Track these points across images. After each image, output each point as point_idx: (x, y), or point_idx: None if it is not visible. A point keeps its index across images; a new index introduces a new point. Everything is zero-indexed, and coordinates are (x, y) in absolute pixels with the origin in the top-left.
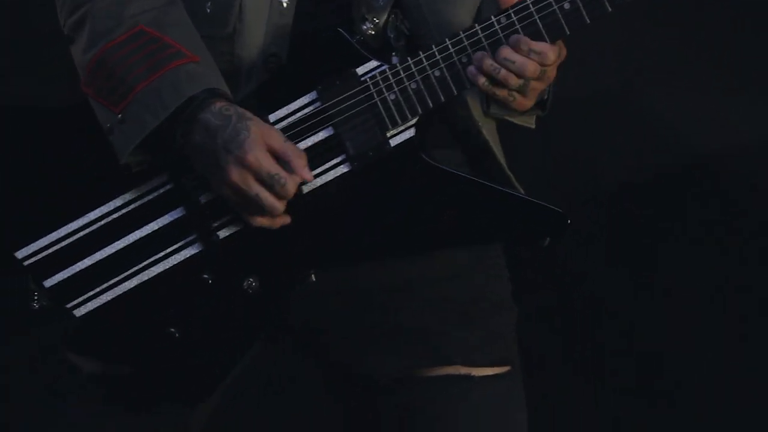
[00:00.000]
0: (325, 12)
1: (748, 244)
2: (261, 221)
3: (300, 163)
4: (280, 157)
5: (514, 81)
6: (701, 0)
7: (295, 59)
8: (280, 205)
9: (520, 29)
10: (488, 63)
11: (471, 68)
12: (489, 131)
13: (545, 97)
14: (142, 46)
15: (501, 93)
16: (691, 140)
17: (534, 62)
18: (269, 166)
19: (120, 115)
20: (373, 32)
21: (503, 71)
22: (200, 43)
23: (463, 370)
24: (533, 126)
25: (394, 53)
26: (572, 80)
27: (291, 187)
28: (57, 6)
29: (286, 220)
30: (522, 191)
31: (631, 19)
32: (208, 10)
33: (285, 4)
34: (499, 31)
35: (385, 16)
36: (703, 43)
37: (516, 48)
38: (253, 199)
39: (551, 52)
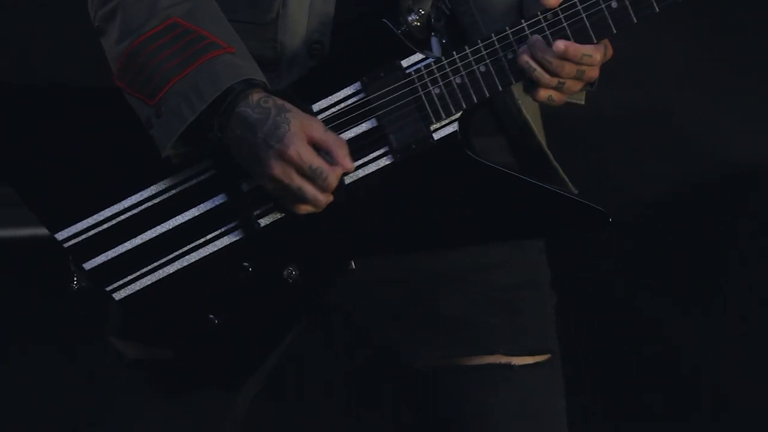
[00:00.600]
0: (367, 0)
1: None
2: (305, 209)
3: (341, 152)
4: (321, 148)
5: (548, 79)
6: (727, 6)
7: (338, 48)
8: (323, 198)
9: (567, 27)
10: (524, 59)
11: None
12: (530, 110)
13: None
14: (176, 38)
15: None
16: (721, 149)
17: (571, 63)
18: (311, 159)
19: (155, 108)
20: (418, 23)
21: (538, 70)
22: (235, 34)
23: (504, 360)
24: (583, 102)
25: (433, 33)
26: (597, 94)
27: (333, 180)
28: None
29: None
30: (566, 179)
31: (655, 29)
32: None
33: None
34: (546, 28)
35: (429, 8)
36: (726, 50)
37: (565, 55)
38: (295, 192)
39: (598, 54)
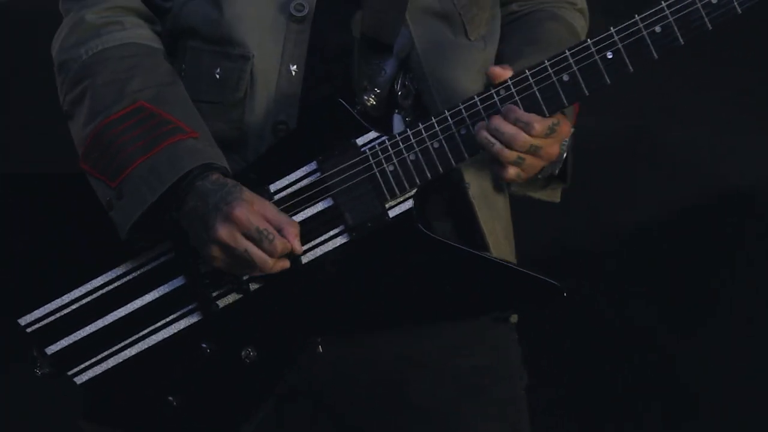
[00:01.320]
0: (333, 80)
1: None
2: (253, 273)
3: (292, 231)
4: (272, 225)
5: (507, 154)
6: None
7: (303, 128)
8: (271, 261)
9: (519, 101)
10: (483, 135)
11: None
12: (479, 193)
13: (555, 172)
14: (141, 121)
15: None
16: (711, 176)
17: (522, 133)
18: (258, 221)
19: (116, 190)
20: (374, 102)
21: (496, 144)
22: (200, 120)
23: None
24: (558, 200)
25: (397, 111)
26: (590, 123)
27: (279, 244)
28: (58, 85)
29: (286, 264)
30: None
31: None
32: (218, 76)
33: (294, 72)
34: (498, 102)
35: (387, 87)
36: (715, 79)
37: (506, 117)
38: (242, 255)
39: (537, 124)
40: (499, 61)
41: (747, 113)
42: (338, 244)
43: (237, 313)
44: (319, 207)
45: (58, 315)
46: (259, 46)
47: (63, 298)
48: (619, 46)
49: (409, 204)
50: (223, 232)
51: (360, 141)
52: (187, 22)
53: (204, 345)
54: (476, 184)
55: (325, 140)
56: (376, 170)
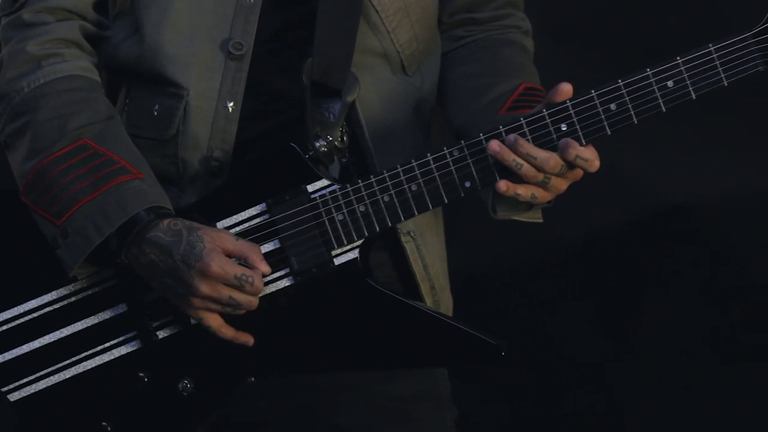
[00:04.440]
0: (272, 119)
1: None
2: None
3: (257, 258)
4: (237, 257)
5: (534, 175)
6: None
7: (244, 167)
8: (256, 300)
9: (471, 164)
10: (511, 158)
11: (493, 167)
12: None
13: None
14: (86, 160)
15: (524, 192)
16: (660, 194)
17: (556, 156)
18: (234, 269)
19: (61, 229)
20: (325, 149)
21: (525, 165)
22: (142, 159)
23: None
24: (541, 220)
25: (343, 159)
26: None
27: (259, 282)
28: None
29: (249, 339)
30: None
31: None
32: (156, 113)
33: (230, 109)
34: (451, 163)
35: (336, 133)
36: None
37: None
38: (227, 302)
39: (587, 151)
40: (459, 94)
41: (689, 135)
42: (282, 287)
43: (176, 345)
44: (265, 248)
45: None
46: (196, 83)
47: (3, 314)
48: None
49: (355, 254)
50: (205, 288)
51: (310, 188)
52: (126, 57)
53: (141, 374)
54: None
55: (276, 183)
56: (325, 218)
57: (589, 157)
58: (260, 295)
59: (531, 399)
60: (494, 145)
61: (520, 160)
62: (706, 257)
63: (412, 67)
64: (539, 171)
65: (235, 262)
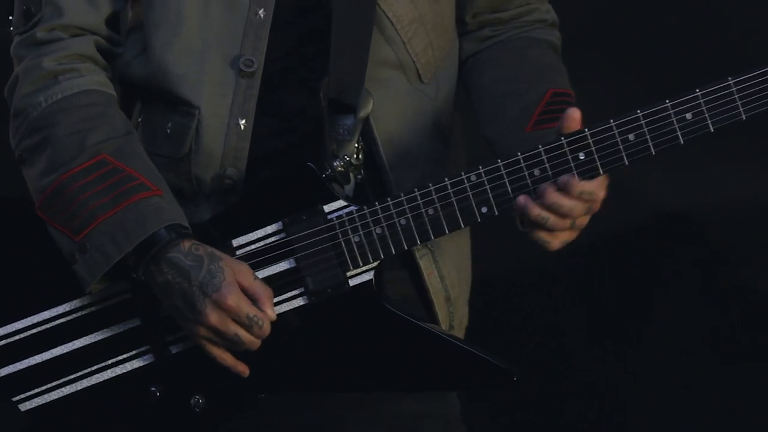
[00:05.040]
0: (286, 136)
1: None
2: (237, 350)
3: (267, 302)
4: (249, 294)
5: (562, 224)
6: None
7: (261, 186)
8: (259, 343)
9: (489, 190)
10: (536, 212)
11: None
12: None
13: None
14: (105, 176)
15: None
16: (660, 198)
17: (582, 202)
18: (248, 308)
19: (80, 245)
20: (342, 169)
21: (552, 218)
22: (160, 176)
23: None
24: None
25: (359, 176)
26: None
27: (268, 327)
28: (11, 127)
29: (245, 371)
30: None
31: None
32: (169, 131)
33: (242, 126)
34: (468, 189)
35: (353, 149)
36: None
37: (567, 192)
38: (231, 338)
39: (600, 190)
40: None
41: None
42: (296, 306)
43: (189, 360)
44: (281, 267)
45: (9, 340)
46: (207, 101)
47: (16, 324)
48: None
49: (371, 275)
50: (214, 318)
51: (327, 208)
52: (137, 74)
53: (153, 388)
54: None
55: (293, 203)
56: (341, 239)
57: (593, 189)
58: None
59: (533, 409)
60: (521, 199)
61: (545, 214)
62: (706, 258)
63: (428, 75)
64: (565, 218)
65: (250, 302)
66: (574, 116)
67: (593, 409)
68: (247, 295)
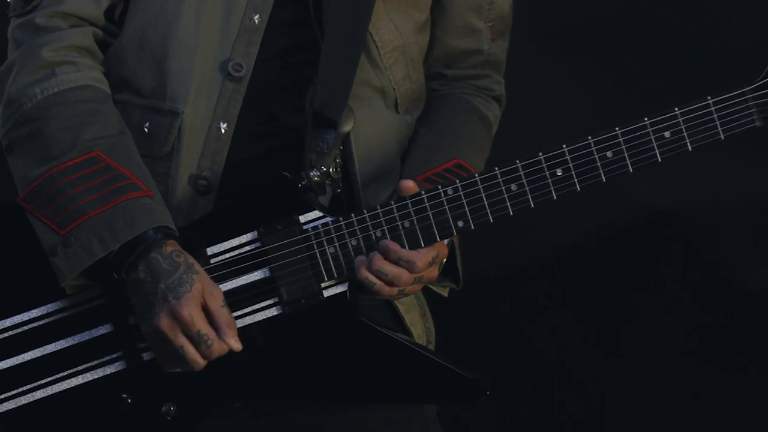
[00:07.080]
0: (266, 142)
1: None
2: (177, 368)
3: (230, 333)
4: (212, 320)
5: (388, 291)
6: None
7: (230, 186)
8: (202, 362)
9: (465, 204)
10: (364, 275)
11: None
12: None
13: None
14: (97, 173)
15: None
16: (650, 197)
17: (406, 272)
18: (201, 324)
19: (63, 238)
20: (318, 179)
21: (378, 284)
22: (150, 177)
23: None
24: (446, 295)
25: (338, 189)
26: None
27: (216, 350)
28: (1, 115)
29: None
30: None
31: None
32: (146, 130)
33: (223, 130)
34: (445, 202)
35: (331, 162)
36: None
37: (386, 256)
38: (176, 350)
39: (420, 262)
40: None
41: None
42: (269, 315)
43: (161, 368)
44: (255, 276)
45: None
46: (192, 102)
47: None
48: (571, 164)
49: (345, 287)
50: (165, 324)
51: (303, 218)
52: (125, 71)
53: (125, 395)
54: None
55: (268, 212)
56: (316, 250)
57: (410, 258)
58: (246, 324)
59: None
60: (357, 260)
61: (373, 279)
62: (698, 257)
63: (404, 106)
64: (392, 286)
65: (206, 321)
66: (406, 186)
67: (586, 407)
68: (211, 319)
